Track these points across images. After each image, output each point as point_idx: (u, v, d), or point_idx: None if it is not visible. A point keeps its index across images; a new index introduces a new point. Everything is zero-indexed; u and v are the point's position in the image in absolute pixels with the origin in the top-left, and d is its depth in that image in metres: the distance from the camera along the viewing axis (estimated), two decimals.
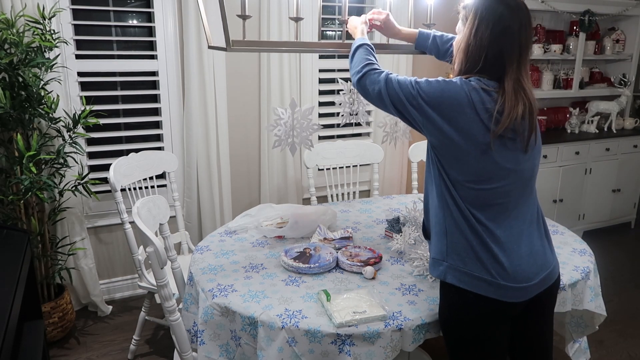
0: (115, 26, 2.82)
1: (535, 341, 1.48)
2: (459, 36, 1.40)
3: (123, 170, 2.39)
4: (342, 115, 2.10)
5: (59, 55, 2.53)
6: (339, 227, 2.22)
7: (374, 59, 1.53)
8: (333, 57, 3.34)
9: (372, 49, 1.58)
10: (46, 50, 2.42)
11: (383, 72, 1.45)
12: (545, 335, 1.49)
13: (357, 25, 1.72)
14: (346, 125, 2.19)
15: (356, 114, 2.10)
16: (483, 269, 1.31)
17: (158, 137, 3.01)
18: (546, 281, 1.39)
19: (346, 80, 2.05)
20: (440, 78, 1.35)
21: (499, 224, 1.33)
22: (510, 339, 1.45)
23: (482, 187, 1.31)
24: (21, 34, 2.28)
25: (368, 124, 3.48)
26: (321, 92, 3.37)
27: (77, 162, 2.67)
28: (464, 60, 1.36)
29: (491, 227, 1.32)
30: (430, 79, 1.35)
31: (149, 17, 2.86)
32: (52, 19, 2.42)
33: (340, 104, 2.10)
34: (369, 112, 2.11)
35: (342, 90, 2.09)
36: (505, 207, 1.34)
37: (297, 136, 1.96)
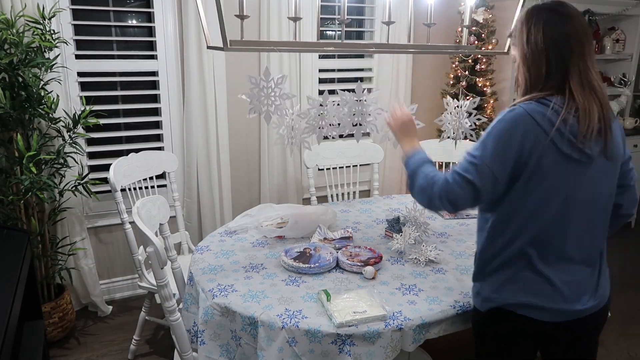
0: (115, 26, 2.82)
1: None
2: (515, 56, 1.36)
3: (123, 171, 2.39)
4: (343, 126, 1.99)
5: (58, 55, 2.53)
6: (339, 227, 2.22)
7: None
8: (333, 57, 3.33)
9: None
10: (46, 50, 2.41)
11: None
12: None
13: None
14: (348, 135, 2.10)
15: (360, 125, 2.02)
16: None
17: (158, 137, 3.01)
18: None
19: (350, 91, 1.97)
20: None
21: None
22: None
23: None
24: (21, 34, 2.28)
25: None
26: (321, 92, 3.36)
27: (77, 162, 2.67)
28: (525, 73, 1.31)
29: None
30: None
31: (149, 17, 2.86)
32: (52, 19, 2.42)
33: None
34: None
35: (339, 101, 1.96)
36: None
37: (295, 137, 1.96)
